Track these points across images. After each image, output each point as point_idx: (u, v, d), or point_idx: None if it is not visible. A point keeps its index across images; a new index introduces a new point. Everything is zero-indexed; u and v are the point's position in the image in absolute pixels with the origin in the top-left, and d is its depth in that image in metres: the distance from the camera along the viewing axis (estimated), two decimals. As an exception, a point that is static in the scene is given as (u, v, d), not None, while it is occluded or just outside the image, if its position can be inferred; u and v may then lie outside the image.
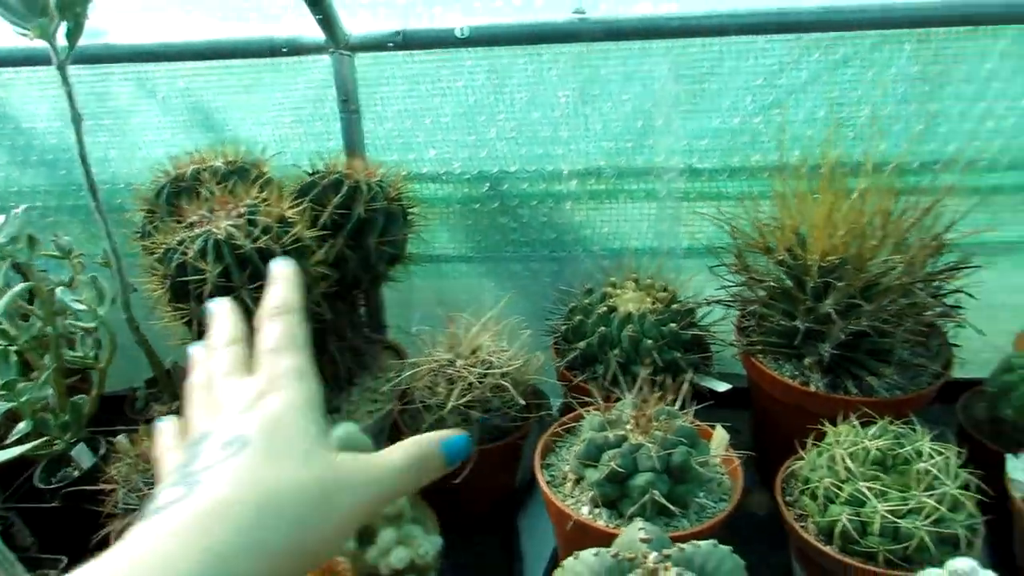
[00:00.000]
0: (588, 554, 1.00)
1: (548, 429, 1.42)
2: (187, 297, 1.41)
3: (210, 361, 0.65)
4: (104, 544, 1.34)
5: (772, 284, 1.46)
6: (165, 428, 0.68)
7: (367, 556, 1.24)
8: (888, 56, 1.67)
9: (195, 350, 0.70)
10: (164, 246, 1.45)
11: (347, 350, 1.74)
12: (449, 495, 1.45)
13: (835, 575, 1.22)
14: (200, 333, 1.43)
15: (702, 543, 1.00)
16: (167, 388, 1.96)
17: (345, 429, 1.32)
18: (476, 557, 1.55)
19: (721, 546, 1.01)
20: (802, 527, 1.27)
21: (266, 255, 1.42)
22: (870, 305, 1.35)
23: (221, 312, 0.71)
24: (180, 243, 1.42)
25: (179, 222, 1.48)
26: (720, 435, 1.36)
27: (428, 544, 1.28)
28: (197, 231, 1.42)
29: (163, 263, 1.44)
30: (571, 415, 1.44)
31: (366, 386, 1.77)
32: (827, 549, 1.22)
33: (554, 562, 1.47)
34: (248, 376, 0.61)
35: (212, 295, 1.38)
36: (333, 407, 1.69)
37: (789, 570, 1.40)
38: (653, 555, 0.98)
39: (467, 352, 1.50)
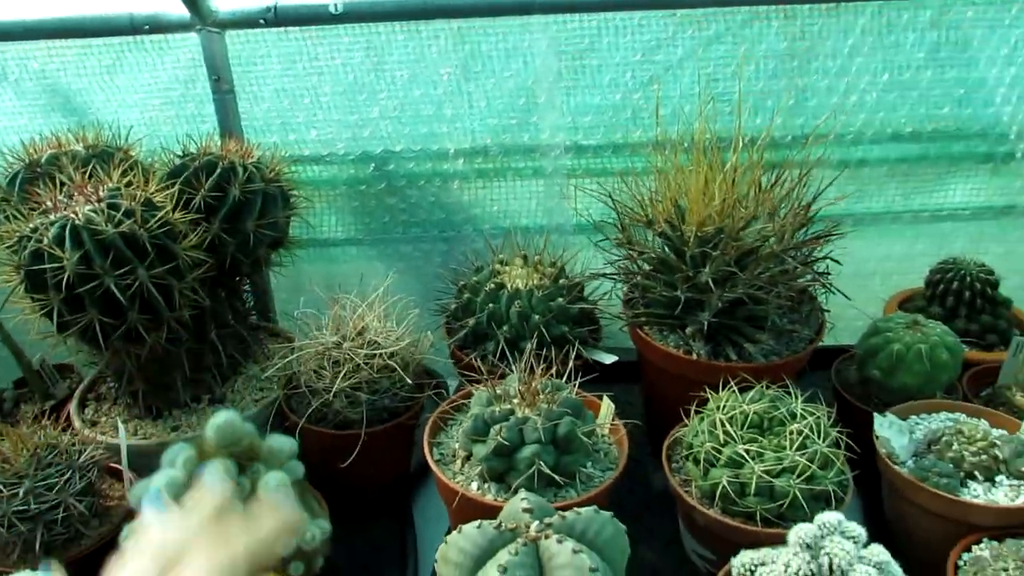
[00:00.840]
0: (471, 527, 1.00)
1: (430, 418, 1.41)
2: (44, 287, 1.32)
3: None
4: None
5: (653, 256, 1.49)
6: None
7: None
8: (758, 32, 1.72)
9: None
10: (17, 234, 1.35)
11: (229, 337, 1.66)
12: (341, 480, 1.42)
13: (719, 536, 1.26)
14: (64, 325, 1.34)
15: (583, 510, 1.01)
16: (37, 387, 1.84)
17: (226, 417, 1.27)
18: (371, 541, 1.52)
19: (602, 512, 1.02)
20: (687, 492, 1.30)
21: (130, 240, 1.34)
22: (745, 273, 1.39)
23: None
24: (34, 230, 1.33)
25: (33, 209, 1.38)
26: (607, 406, 1.38)
27: (314, 529, 1.24)
28: (53, 217, 1.33)
29: (17, 252, 1.34)
30: (460, 393, 1.43)
31: (251, 374, 1.71)
32: (710, 512, 1.25)
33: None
34: None
35: (72, 284, 1.29)
36: (217, 397, 1.62)
37: (677, 536, 1.43)
38: (535, 524, 0.98)
39: (353, 334, 1.47)
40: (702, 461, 1.28)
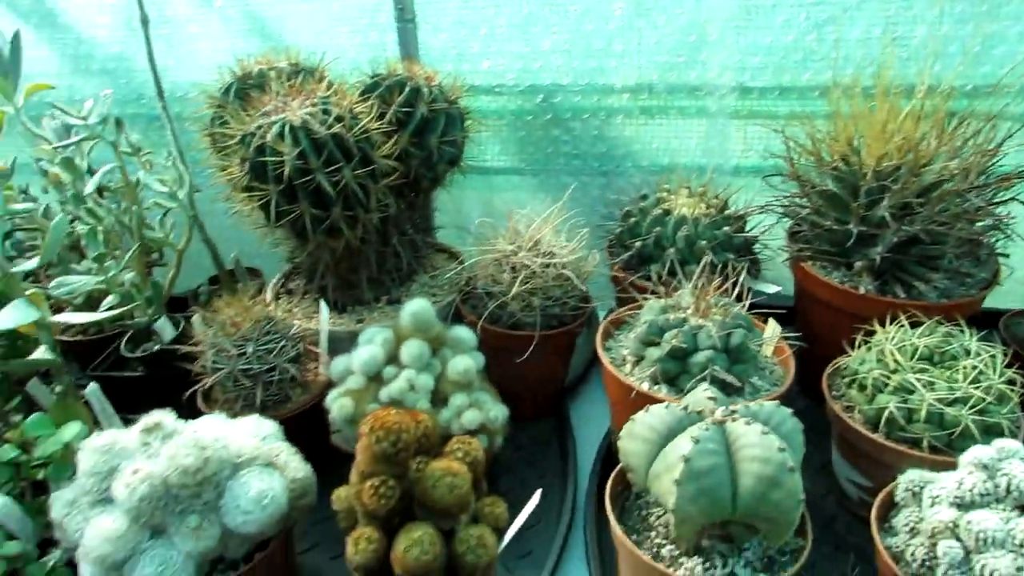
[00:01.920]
0: (658, 407, 1.08)
1: (600, 325, 1.50)
2: (265, 179, 1.48)
3: None
4: (192, 401, 1.43)
5: (825, 190, 1.51)
6: None
7: (440, 416, 1.32)
8: (948, -28, 1.69)
9: None
10: (242, 132, 1.51)
11: (407, 245, 1.80)
12: (507, 382, 1.53)
13: (879, 462, 1.30)
14: (278, 216, 1.50)
15: (764, 402, 1.08)
16: (229, 285, 2.05)
17: (421, 304, 1.40)
18: (533, 438, 1.64)
19: (783, 407, 1.08)
20: (849, 417, 1.35)
21: (339, 141, 1.48)
22: (925, 209, 1.40)
23: None
24: (259, 128, 1.48)
25: (251, 115, 1.54)
26: (773, 327, 1.44)
27: (497, 410, 1.36)
28: (274, 118, 1.48)
29: (242, 146, 1.50)
30: (628, 307, 1.52)
31: (423, 281, 1.85)
32: (874, 436, 1.29)
33: (607, 442, 1.57)
34: None
35: (289, 177, 1.45)
36: (394, 298, 1.77)
37: (828, 465, 1.48)
38: (721, 409, 1.06)
39: (529, 244, 1.57)
40: (869, 387, 1.32)
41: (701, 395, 1.10)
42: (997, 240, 1.53)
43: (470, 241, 1.75)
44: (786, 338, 1.42)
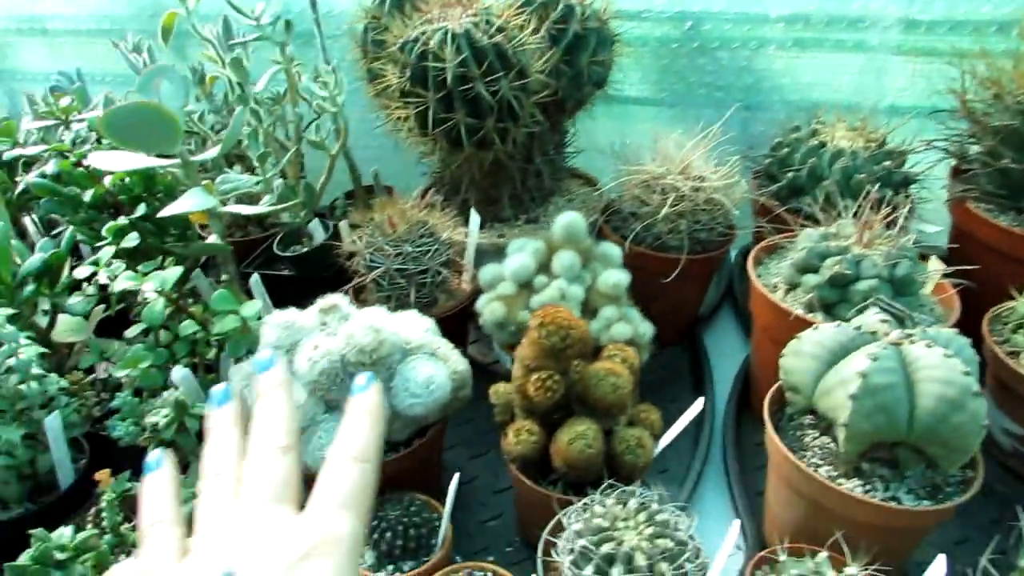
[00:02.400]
0: (828, 326, 1.08)
1: (751, 251, 1.48)
2: (425, 84, 1.50)
3: (256, 463, 0.50)
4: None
5: (1005, 127, 1.44)
6: (156, 482, 0.53)
7: (590, 328, 1.35)
8: None
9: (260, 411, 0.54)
10: (403, 39, 1.53)
11: (548, 165, 1.82)
12: (644, 307, 1.54)
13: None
14: (435, 123, 1.53)
15: (942, 329, 1.05)
16: (364, 200, 2.11)
17: (572, 215, 1.42)
18: (667, 366, 1.66)
19: (962, 336, 1.06)
20: (1013, 361, 1.30)
21: (499, 51, 1.49)
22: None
23: (276, 396, 0.55)
24: (422, 34, 1.50)
25: (410, 24, 1.56)
26: (936, 264, 1.39)
27: (645, 327, 1.38)
28: (436, 25, 1.50)
29: (403, 53, 1.53)
30: (781, 235, 1.49)
31: (559, 204, 1.86)
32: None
33: (745, 370, 1.57)
34: (295, 513, 0.48)
35: (452, 83, 1.47)
36: (532, 218, 1.79)
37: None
38: (896, 331, 1.04)
39: (678, 168, 1.56)
40: (1037, 330, 1.28)
41: (873, 318, 1.09)
42: None
43: (605, 168, 1.74)
44: (948, 276, 1.38)
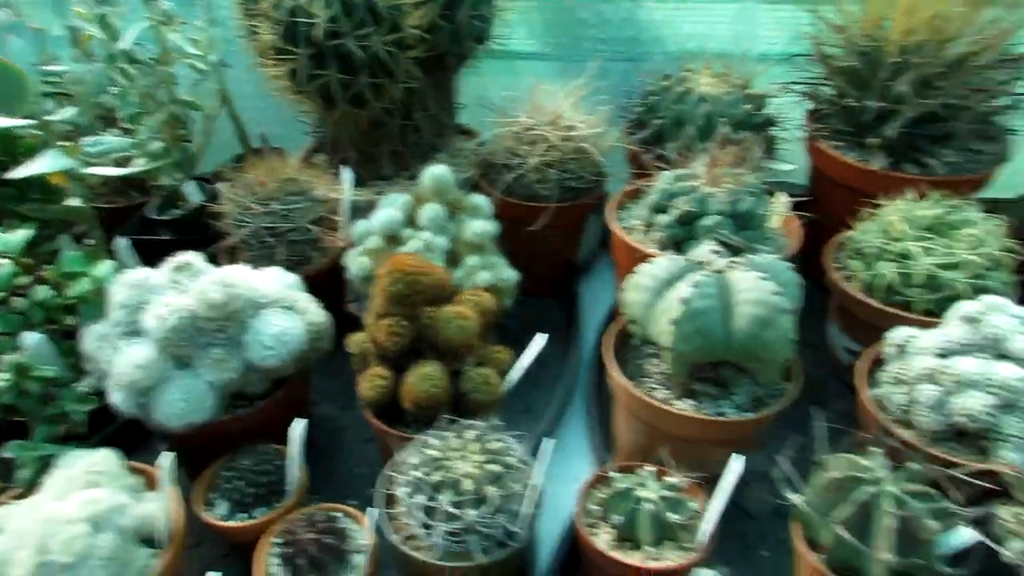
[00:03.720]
0: (661, 258, 1.13)
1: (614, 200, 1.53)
2: (296, 41, 1.50)
3: None
4: (215, 260, 1.51)
5: (848, 67, 1.51)
6: None
7: (454, 276, 1.39)
8: None
9: None
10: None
11: (430, 122, 1.84)
12: (520, 260, 1.59)
13: (873, 326, 1.34)
14: (307, 79, 1.53)
15: (764, 255, 1.12)
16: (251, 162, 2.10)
17: (440, 168, 1.45)
18: (542, 314, 1.70)
19: (782, 260, 1.13)
20: (848, 285, 1.38)
21: (371, 6, 1.50)
22: (946, 83, 1.40)
23: None
24: (290, -9, 1.50)
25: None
26: (782, 199, 1.46)
27: (508, 273, 1.42)
28: (306, -20, 1.50)
29: (276, 8, 1.52)
30: (644, 180, 1.55)
31: (444, 160, 1.88)
32: (870, 300, 1.33)
33: (612, 313, 1.63)
34: None
35: (322, 39, 1.47)
36: (413, 175, 1.81)
37: (823, 340, 1.53)
38: (723, 260, 1.10)
39: (549, 119, 1.60)
40: (869, 255, 1.35)
41: (704, 249, 1.15)
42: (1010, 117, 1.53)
43: (491, 119, 1.77)
44: (796, 211, 1.45)
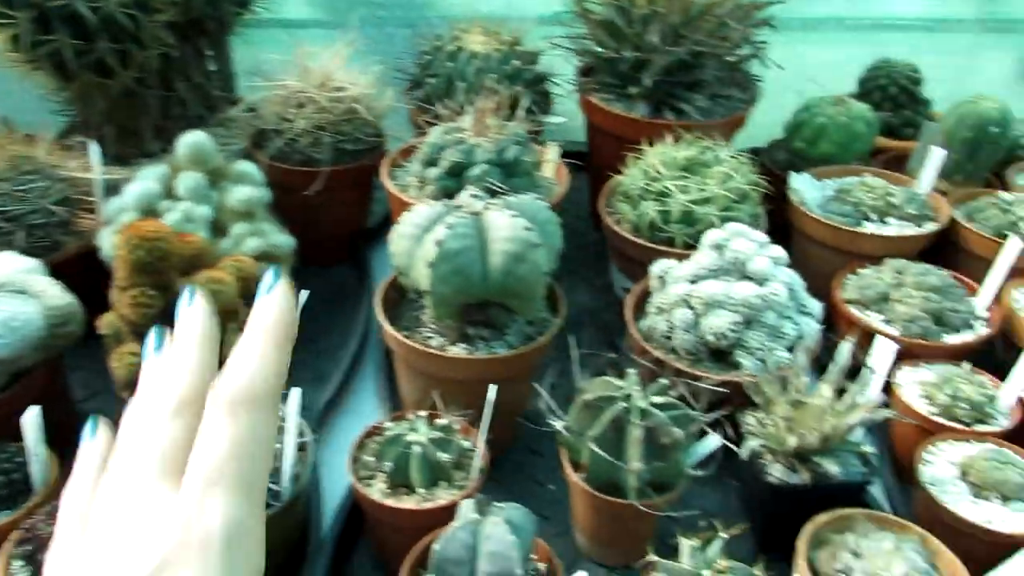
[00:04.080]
0: (422, 206, 1.12)
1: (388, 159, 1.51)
2: (10, 2, 1.36)
3: (138, 428, 0.37)
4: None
5: (605, 20, 1.57)
6: (84, 457, 0.41)
7: (221, 246, 1.31)
8: None
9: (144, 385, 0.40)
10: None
11: (195, 93, 1.72)
12: (303, 229, 1.54)
13: (642, 263, 1.41)
14: (31, 43, 1.39)
15: (523, 196, 1.14)
16: None
17: (196, 135, 1.36)
18: (331, 284, 1.66)
19: (539, 201, 1.15)
20: (617, 227, 1.45)
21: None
22: (691, 31, 1.49)
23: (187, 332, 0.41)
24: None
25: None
26: (553, 149, 1.50)
27: (281, 239, 1.36)
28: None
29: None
30: (418, 139, 1.53)
31: (217, 133, 1.78)
32: (637, 239, 1.40)
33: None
34: (176, 491, 0.35)
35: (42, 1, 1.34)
36: (183, 149, 1.70)
37: (609, 283, 1.59)
38: (480, 203, 1.11)
39: (318, 80, 1.54)
40: (633, 197, 1.42)
41: (465, 195, 1.15)
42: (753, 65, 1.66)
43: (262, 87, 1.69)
44: (566, 160, 1.50)
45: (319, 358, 1.42)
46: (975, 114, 1.57)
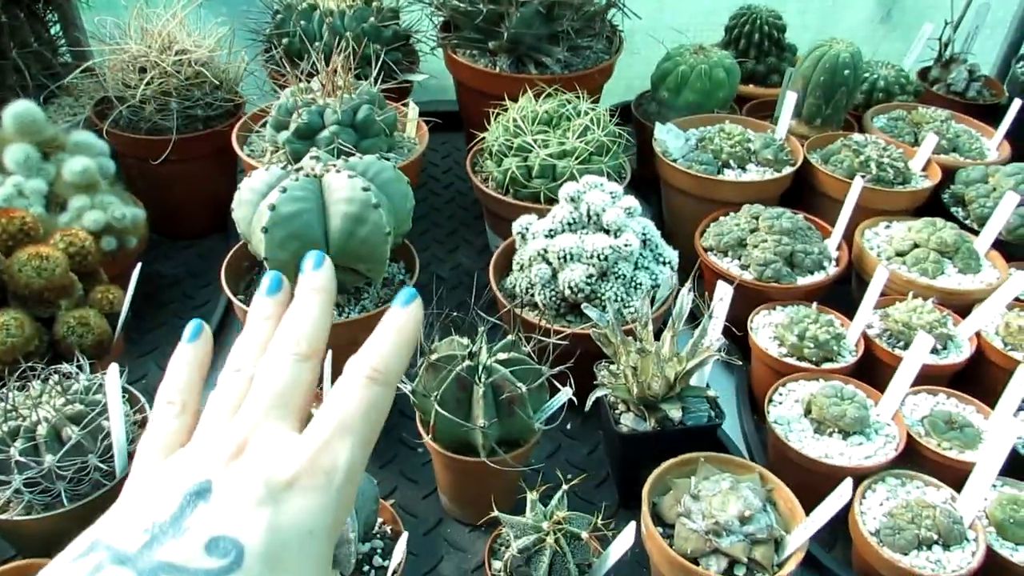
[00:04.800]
0: (259, 171, 1.07)
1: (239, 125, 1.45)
2: None
3: (267, 368, 0.42)
4: None
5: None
6: (181, 357, 0.45)
7: (59, 221, 1.23)
8: None
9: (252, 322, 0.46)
10: None
11: (33, 59, 1.60)
12: (164, 201, 1.46)
13: (509, 219, 1.40)
14: None
15: (366, 157, 1.10)
16: None
17: (24, 104, 1.27)
18: (199, 256, 1.58)
19: (385, 161, 1.12)
20: (484, 185, 1.43)
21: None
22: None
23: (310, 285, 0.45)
24: None
25: None
26: (412, 108, 1.46)
27: (127, 210, 1.29)
28: None
29: None
30: (271, 103, 1.47)
31: (63, 103, 1.67)
32: (503, 197, 1.38)
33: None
34: (297, 430, 0.41)
35: None
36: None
37: (487, 243, 1.58)
38: (320, 165, 1.07)
39: (160, 43, 1.45)
40: (495, 154, 1.40)
41: (306, 158, 1.11)
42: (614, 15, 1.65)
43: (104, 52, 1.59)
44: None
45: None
46: (828, 58, 1.60)
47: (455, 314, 1.01)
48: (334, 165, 1.07)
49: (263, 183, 1.05)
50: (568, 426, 1.22)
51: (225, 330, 1.39)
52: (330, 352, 0.90)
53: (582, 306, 1.10)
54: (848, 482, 0.84)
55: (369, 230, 1.00)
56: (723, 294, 1.05)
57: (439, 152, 1.88)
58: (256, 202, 1.05)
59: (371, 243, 1.01)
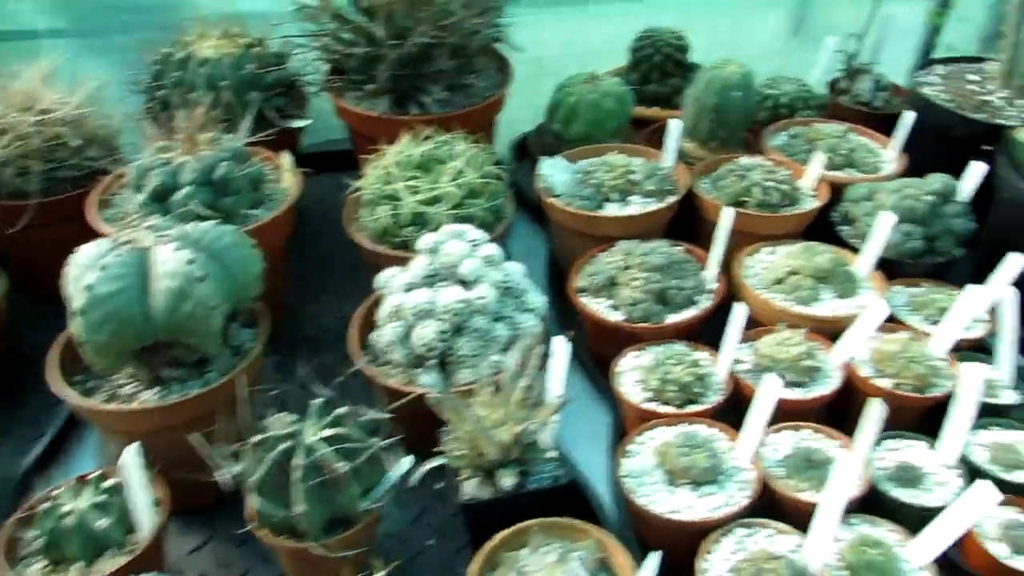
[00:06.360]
0: (89, 245, 1.03)
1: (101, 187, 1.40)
2: None
3: None
4: None
5: (338, 15, 1.49)
6: None
7: None
8: None
9: None
10: None
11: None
12: (26, 268, 1.41)
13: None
14: None
15: (204, 224, 1.06)
16: None
17: None
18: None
19: (226, 226, 1.08)
20: (359, 234, 1.38)
21: None
22: (413, 23, 1.43)
23: None
24: None
25: None
26: (286, 159, 1.42)
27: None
28: None
29: None
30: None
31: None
32: (376, 247, 1.34)
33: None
34: None
35: None
36: None
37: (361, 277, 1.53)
38: (151, 236, 1.03)
39: (21, 103, 1.41)
40: (370, 202, 1.36)
41: (141, 229, 1.06)
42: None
43: None
44: (301, 168, 1.42)
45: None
46: (719, 80, 1.57)
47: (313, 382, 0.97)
48: (167, 235, 1.03)
49: (88, 257, 1.01)
50: (436, 486, 1.17)
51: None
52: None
53: (423, 367, 1.07)
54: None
55: (194, 304, 0.96)
56: (559, 348, 1.01)
57: (334, 195, 1.83)
58: (79, 276, 1.01)
59: (196, 317, 0.97)
